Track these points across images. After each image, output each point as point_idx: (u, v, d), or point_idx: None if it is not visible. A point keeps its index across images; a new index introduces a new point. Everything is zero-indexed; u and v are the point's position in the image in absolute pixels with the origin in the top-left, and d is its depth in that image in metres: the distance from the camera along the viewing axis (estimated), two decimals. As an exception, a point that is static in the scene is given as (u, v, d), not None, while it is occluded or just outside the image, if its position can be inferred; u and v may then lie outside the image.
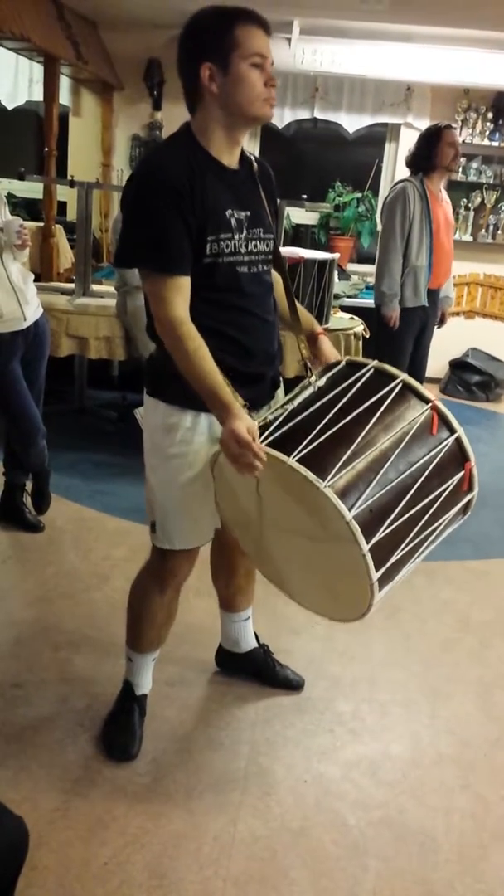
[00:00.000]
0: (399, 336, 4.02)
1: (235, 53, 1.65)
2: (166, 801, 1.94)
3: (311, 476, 1.54)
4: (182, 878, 1.72)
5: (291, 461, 1.56)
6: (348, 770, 2.10)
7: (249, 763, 2.09)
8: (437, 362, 5.96)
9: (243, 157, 1.82)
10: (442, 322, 4.29)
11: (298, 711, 2.30)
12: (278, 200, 2.19)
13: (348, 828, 1.91)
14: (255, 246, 1.79)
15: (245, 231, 1.76)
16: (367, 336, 4.43)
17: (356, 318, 4.57)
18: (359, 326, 4.40)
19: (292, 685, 2.38)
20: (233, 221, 1.73)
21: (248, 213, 1.77)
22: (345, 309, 4.96)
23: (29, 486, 3.35)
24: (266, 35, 1.69)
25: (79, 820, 1.85)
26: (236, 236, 1.74)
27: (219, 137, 1.73)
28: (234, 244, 1.73)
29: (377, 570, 1.56)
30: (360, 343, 4.38)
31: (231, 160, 1.77)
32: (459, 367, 6.38)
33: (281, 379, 2.00)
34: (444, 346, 5.58)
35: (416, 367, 4.12)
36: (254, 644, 2.39)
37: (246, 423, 1.61)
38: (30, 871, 1.64)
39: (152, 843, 1.81)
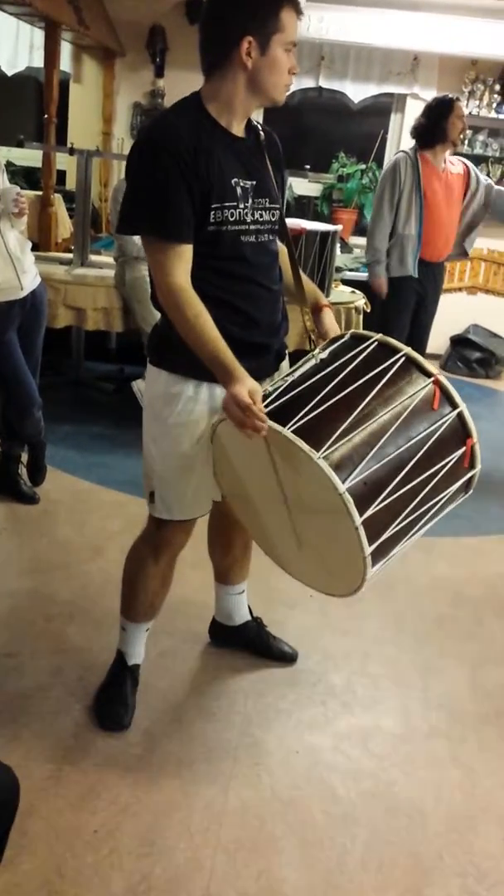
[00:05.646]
0: (390, 308, 4.04)
1: (277, 37, 1.65)
2: (158, 770, 1.95)
3: (305, 447, 1.52)
4: (172, 846, 1.74)
5: (287, 431, 1.55)
6: (339, 742, 2.11)
7: (241, 734, 2.10)
8: (438, 338, 5.91)
9: (250, 126, 1.80)
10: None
11: (291, 683, 2.31)
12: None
13: (338, 798, 1.92)
14: (261, 215, 1.78)
15: (251, 200, 1.74)
16: (368, 310, 4.40)
17: (357, 291, 4.53)
18: (360, 300, 4.36)
19: (286, 657, 2.39)
20: (238, 190, 1.72)
21: (255, 182, 1.76)
22: (346, 283, 4.91)
23: (25, 457, 3.34)
24: (299, 21, 1.70)
25: (70, 788, 1.86)
26: (241, 205, 1.72)
27: (233, 107, 1.71)
28: (239, 213, 1.72)
29: (371, 544, 1.55)
30: (361, 317, 4.34)
31: (239, 129, 1.76)
32: (460, 343, 6.34)
33: (287, 352, 1.98)
34: (445, 321, 5.54)
35: (416, 345, 4.11)
36: (247, 617, 2.39)
37: (248, 387, 1.60)
38: (20, 839, 1.66)
39: (143, 811, 1.82)
